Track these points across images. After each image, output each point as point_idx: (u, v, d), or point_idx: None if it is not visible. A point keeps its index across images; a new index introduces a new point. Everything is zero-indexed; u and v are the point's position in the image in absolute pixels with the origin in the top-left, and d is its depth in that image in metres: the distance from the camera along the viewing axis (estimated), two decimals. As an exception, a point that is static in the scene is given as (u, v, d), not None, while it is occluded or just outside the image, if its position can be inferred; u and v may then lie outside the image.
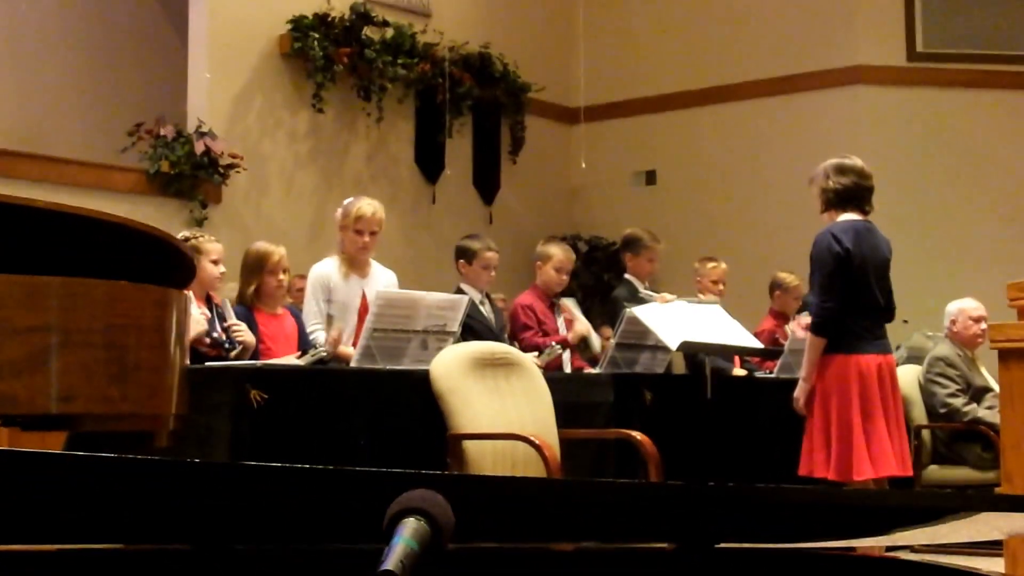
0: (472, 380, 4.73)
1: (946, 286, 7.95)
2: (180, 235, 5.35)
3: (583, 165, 10.12)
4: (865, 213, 5.11)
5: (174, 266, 2.98)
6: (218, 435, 4.08)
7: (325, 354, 4.90)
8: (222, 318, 5.10)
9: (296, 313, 5.51)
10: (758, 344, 6.37)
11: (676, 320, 5.80)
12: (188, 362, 3.15)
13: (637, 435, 4.78)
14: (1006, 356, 3.56)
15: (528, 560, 1.62)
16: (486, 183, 9.80)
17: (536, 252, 6.61)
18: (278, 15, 8.24)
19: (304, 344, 5.27)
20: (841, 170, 5.09)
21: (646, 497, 1.48)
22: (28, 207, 2.63)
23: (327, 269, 5.53)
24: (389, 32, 8.73)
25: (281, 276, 5.36)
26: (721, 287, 7.18)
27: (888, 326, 5.26)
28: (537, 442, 4.50)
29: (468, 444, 4.60)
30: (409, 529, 1.04)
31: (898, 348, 6.85)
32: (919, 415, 6.75)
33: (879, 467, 4.87)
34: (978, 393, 6.72)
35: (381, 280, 5.61)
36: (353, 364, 4.80)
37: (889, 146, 9.17)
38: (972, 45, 9.42)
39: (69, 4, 9.01)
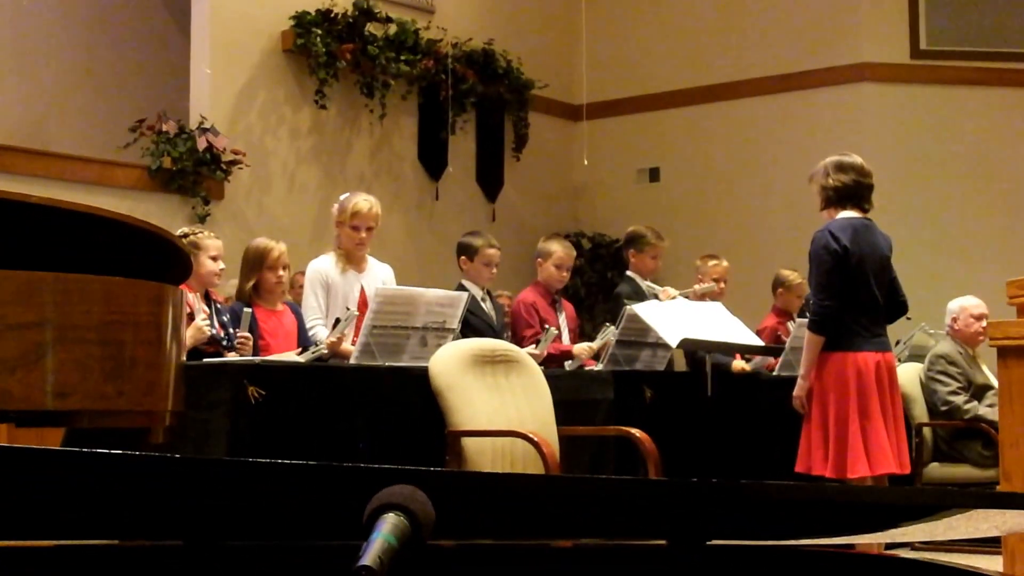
0: (471, 377, 4.73)
1: (949, 283, 7.94)
2: (179, 231, 5.35)
3: (586, 162, 10.11)
4: (865, 211, 5.10)
5: (170, 262, 2.98)
6: (216, 432, 4.07)
7: (325, 352, 4.90)
8: (220, 314, 5.10)
9: (296, 309, 5.51)
10: (759, 342, 6.36)
11: (676, 317, 5.80)
12: (184, 358, 3.15)
13: (636, 432, 4.77)
14: (1005, 354, 3.56)
15: (522, 557, 1.62)
16: (489, 180, 9.79)
17: (537, 249, 6.61)
18: (281, 11, 8.23)
19: (304, 340, 5.26)
20: (841, 168, 5.08)
21: (635, 493, 1.48)
22: (23, 203, 2.63)
23: (324, 265, 5.52)
24: (392, 28, 8.73)
25: (281, 272, 5.35)
26: (723, 285, 7.17)
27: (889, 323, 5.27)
28: (535, 439, 4.50)
29: (467, 441, 4.60)
30: (388, 525, 1.04)
31: (897, 343, 6.83)
32: (920, 413, 6.74)
33: (876, 465, 4.86)
34: (979, 391, 6.71)
35: (378, 274, 5.61)
36: (352, 361, 4.79)
37: (893, 143, 9.17)
38: (976, 43, 9.40)
39: (71, 0, 9.01)
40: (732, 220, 9.74)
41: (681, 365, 6.84)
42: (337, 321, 5.02)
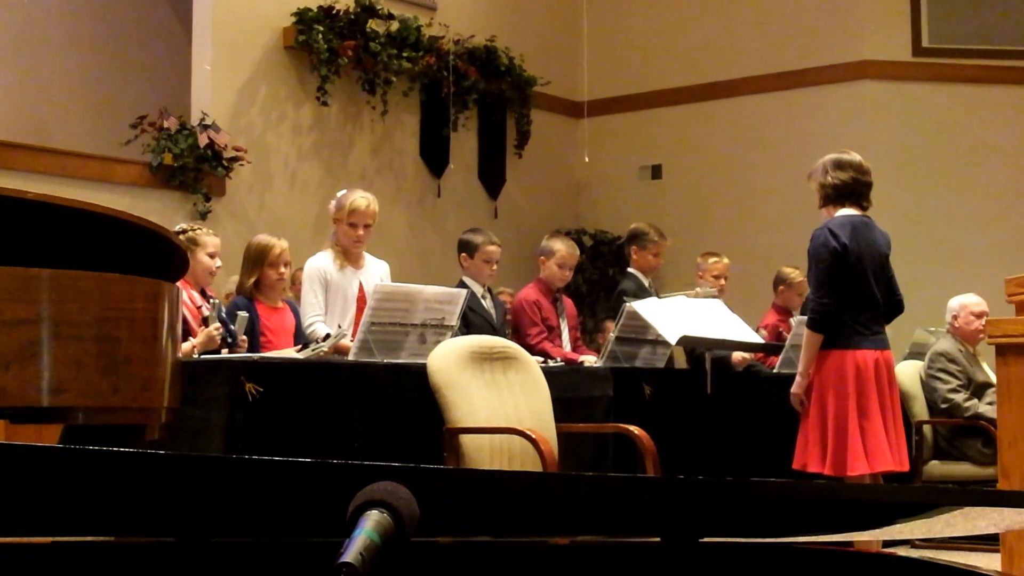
0: (470, 374, 4.73)
1: (949, 281, 7.94)
2: (177, 227, 5.35)
3: (587, 159, 10.11)
4: (863, 208, 5.09)
5: (167, 259, 2.98)
6: (213, 428, 4.06)
7: (325, 351, 4.89)
8: (218, 310, 5.09)
9: (295, 307, 5.51)
10: (758, 339, 6.36)
11: (676, 315, 5.79)
12: (180, 355, 3.15)
13: (634, 429, 4.76)
14: (1004, 351, 3.55)
15: (518, 554, 1.61)
16: (491, 177, 9.79)
17: (540, 246, 6.60)
18: (283, 7, 8.23)
19: (301, 339, 5.26)
20: (839, 165, 5.07)
21: (629, 490, 1.48)
22: (18, 199, 2.62)
23: (323, 262, 5.52)
24: (394, 25, 8.72)
25: (283, 269, 5.36)
26: (723, 282, 7.17)
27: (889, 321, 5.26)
28: (533, 436, 4.49)
29: (465, 438, 4.60)
30: (371, 521, 1.04)
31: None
32: (920, 410, 6.74)
33: (874, 463, 4.86)
34: (979, 388, 6.71)
35: (376, 271, 5.60)
36: (351, 357, 4.78)
37: (894, 141, 9.16)
38: (977, 41, 9.39)
39: (73, -4, 9.02)
40: (733, 217, 9.74)
41: (681, 362, 6.84)
42: (327, 337, 4.98)
